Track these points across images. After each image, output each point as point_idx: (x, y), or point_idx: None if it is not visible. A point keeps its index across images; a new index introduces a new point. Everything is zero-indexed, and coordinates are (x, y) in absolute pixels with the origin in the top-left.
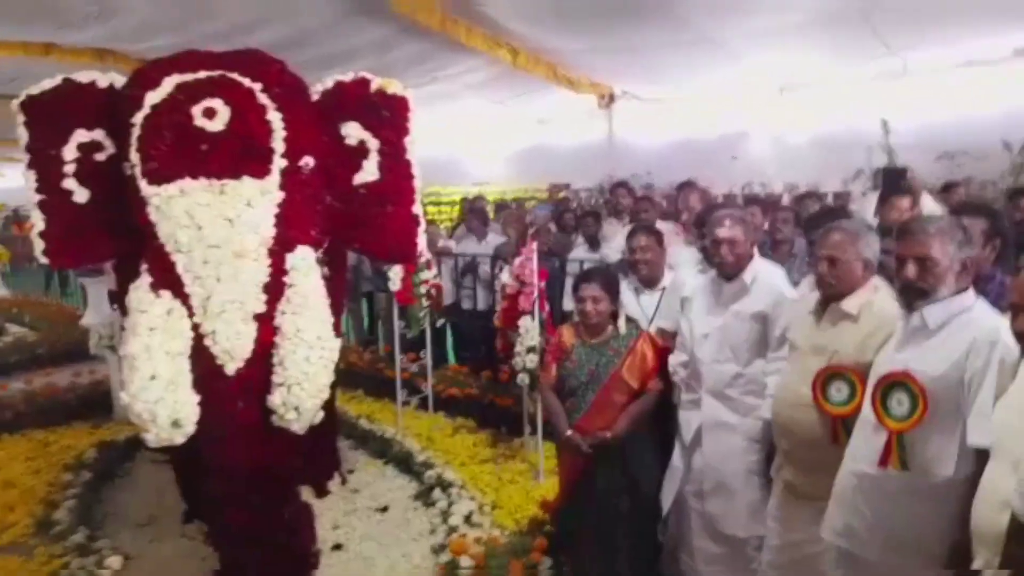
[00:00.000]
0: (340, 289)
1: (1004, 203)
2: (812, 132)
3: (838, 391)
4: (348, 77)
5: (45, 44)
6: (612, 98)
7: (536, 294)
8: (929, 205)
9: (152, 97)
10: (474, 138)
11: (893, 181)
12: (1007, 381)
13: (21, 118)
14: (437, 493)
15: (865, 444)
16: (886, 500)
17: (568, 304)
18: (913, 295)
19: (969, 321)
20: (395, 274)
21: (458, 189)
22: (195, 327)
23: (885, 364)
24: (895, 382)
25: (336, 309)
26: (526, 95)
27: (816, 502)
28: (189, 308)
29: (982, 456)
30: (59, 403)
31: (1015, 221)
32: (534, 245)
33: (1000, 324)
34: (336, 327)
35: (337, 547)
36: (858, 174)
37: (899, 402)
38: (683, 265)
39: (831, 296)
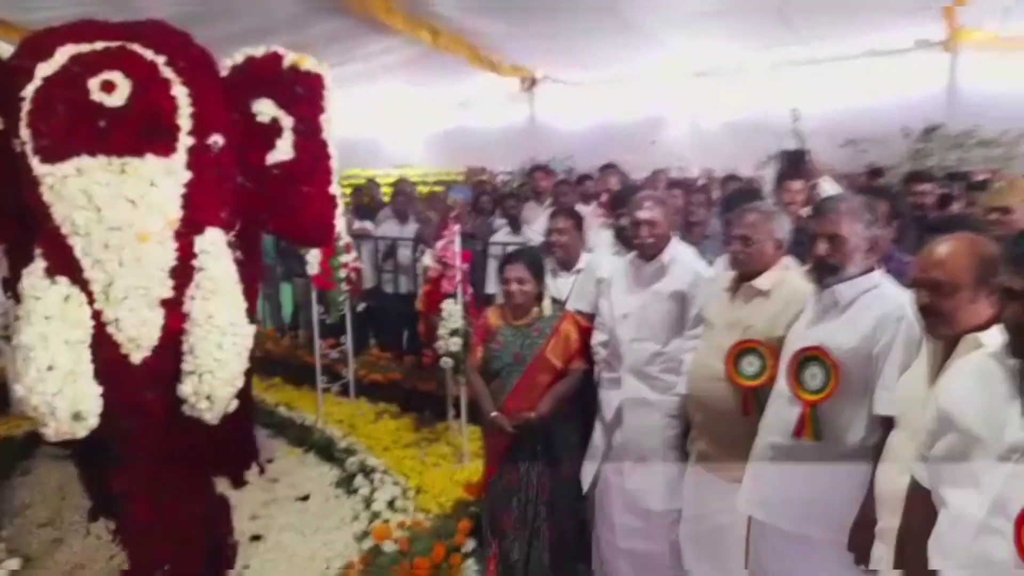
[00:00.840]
0: (254, 273)
1: (900, 187)
2: (727, 118)
3: (750, 364)
4: (259, 52)
5: None
6: (534, 82)
7: (459, 277)
8: (827, 189)
9: (44, 68)
10: (393, 120)
11: (794, 164)
12: (913, 354)
13: None
14: (359, 480)
15: (779, 417)
16: (799, 470)
17: (491, 288)
18: (824, 271)
19: (877, 297)
20: (313, 258)
21: (377, 172)
22: (96, 314)
23: (798, 339)
24: (809, 356)
25: (251, 294)
26: (447, 77)
27: (727, 471)
28: (89, 294)
29: (887, 425)
30: None
31: (911, 204)
32: (456, 228)
33: (906, 300)
34: (251, 312)
35: (256, 538)
36: (769, 160)
37: (813, 376)
38: (599, 247)
39: (744, 274)
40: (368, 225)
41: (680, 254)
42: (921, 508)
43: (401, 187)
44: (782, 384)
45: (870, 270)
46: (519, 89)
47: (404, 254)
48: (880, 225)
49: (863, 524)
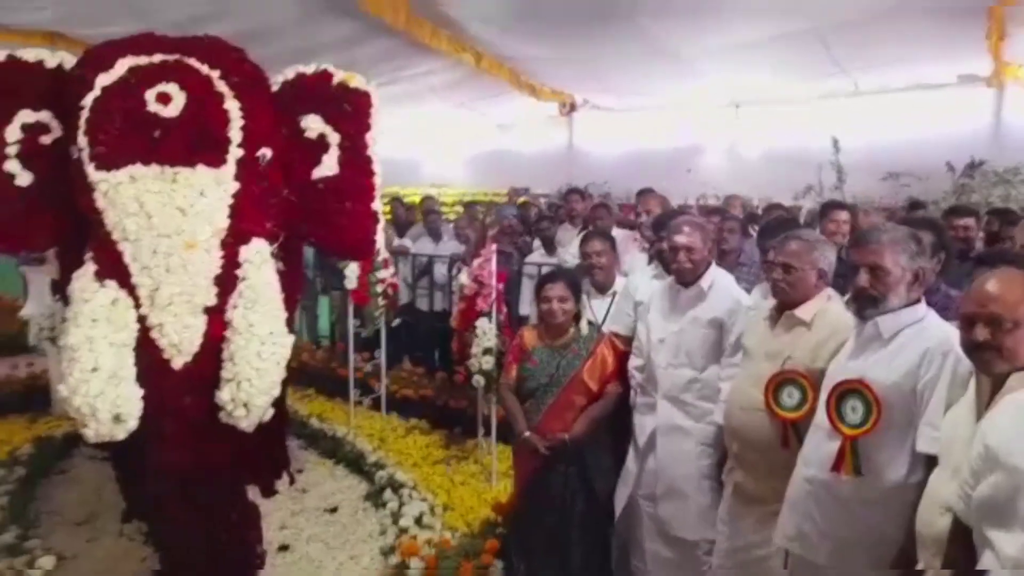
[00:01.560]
0: (294, 285)
1: (942, 220)
2: (765, 147)
3: (789, 396)
4: (310, 69)
5: None
6: (573, 106)
7: (494, 295)
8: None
9: (104, 79)
10: (434, 140)
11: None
12: (958, 391)
13: None
14: (388, 494)
15: (817, 450)
16: (837, 505)
17: (525, 309)
18: (864, 303)
19: (922, 331)
20: (351, 272)
21: (416, 190)
22: (141, 319)
23: (839, 372)
24: (850, 389)
25: (290, 305)
26: (488, 99)
27: (765, 505)
28: (135, 299)
29: (930, 462)
30: None
31: (953, 238)
32: (493, 247)
33: (952, 335)
34: (289, 323)
35: (284, 548)
36: (808, 190)
37: (853, 409)
38: (637, 270)
39: (785, 303)
40: (407, 243)
41: (719, 281)
42: (963, 548)
43: (429, 205)
44: (821, 417)
45: (914, 303)
46: (558, 113)
47: (439, 271)
48: (925, 257)
49: (902, 563)
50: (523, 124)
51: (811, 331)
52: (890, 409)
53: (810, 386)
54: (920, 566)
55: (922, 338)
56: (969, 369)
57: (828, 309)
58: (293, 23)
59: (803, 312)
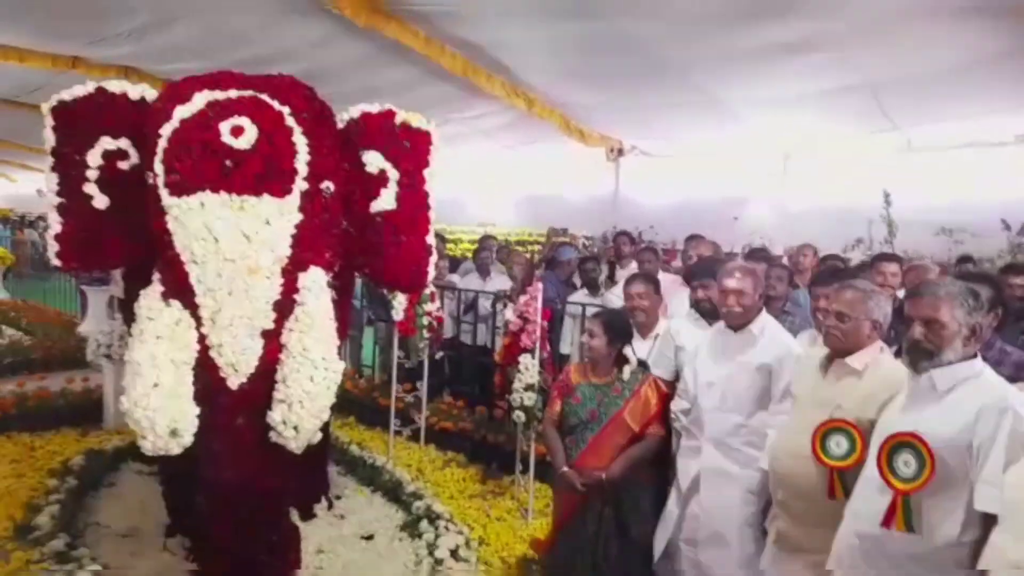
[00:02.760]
0: (346, 314)
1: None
2: (813, 199)
3: (837, 445)
4: (374, 108)
5: (72, 57)
6: (620, 152)
7: (539, 332)
8: None
9: (182, 111)
10: (482, 180)
11: None
12: (1019, 450)
13: (50, 122)
14: (424, 525)
15: (867, 504)
16: (888, 561)
17: (566, 348)
18: (918, 356)
19: (978, 387)
20: (399, 303)
21: (463, 228)
22: (201, 339)
23: (891, 424)
24: (902, 443)
25: (341, 333)
26: (537, 143)
27: (808, 555)
28: (197, 319)
29: (988, 522)
30: (49, 408)
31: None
32: (539, 284)
33: (1010, 391)
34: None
35: (319, 571)
36: (858, 243)
37: (906, 463)
38: (678, 314)
39: (838, 351)
40: (455, 278)
41: (770, 326)
42: None
43: (484, 244)
44: (872, 470)
45: (971, 357)
46: (605, 159)
47: (484, 307)
48: (982, 312)
49: None
50: (570, 168)
51: (862, 381)
52: (944, 465)
53: (859, 436)
54: None
55: (979, 394)
56: None
57: (880, 360)
58: (354, 66)
59: (855, 361)
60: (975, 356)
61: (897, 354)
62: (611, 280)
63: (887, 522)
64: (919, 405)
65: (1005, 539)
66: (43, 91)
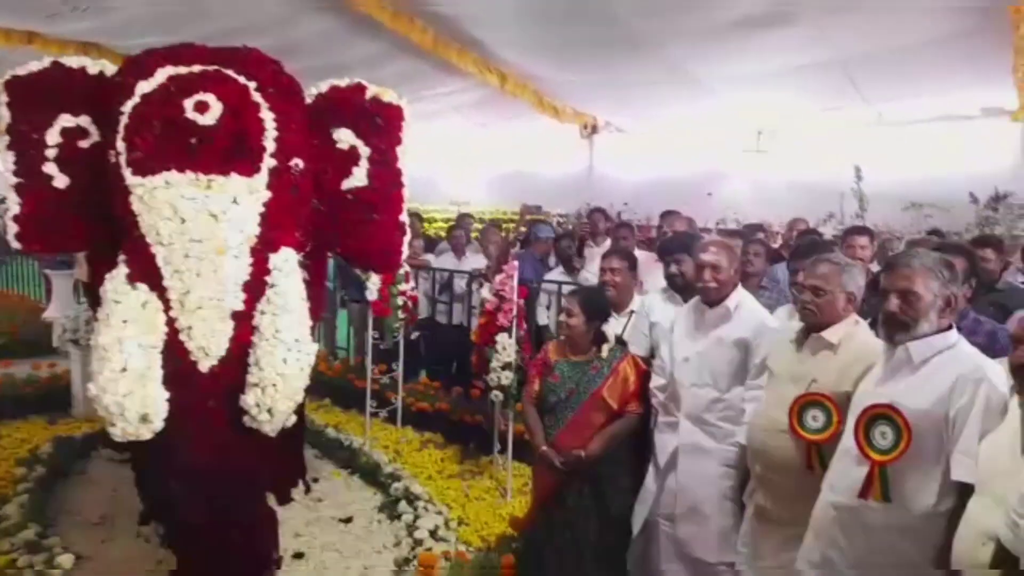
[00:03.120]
0: (319, 295)
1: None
2: (786, 174)
3: (814, 419)
4: (344, 83)
5: (28, 33)
6: (594, 128)
7: (515, 311)
8: None
9: (143, 87)
10: (455, 158)
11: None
12: (994, 419)
13: (4, 98)
14: (403, 506)
15: (844, 475)
16: (865, 532)
17: (543, 319)
18: (894, 327)
19: (953, 358)
20: (373, 284)
21: (436, 207)
22: (170, 322)
23: (867, 396)
24: (879, 414)
25: (314, 314)
26: (510, 120)
27: (787, 528)
28: (165, 302)
29: (964, 491)
30: (15, 396)
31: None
32: (515, 263)
33: (985, 362)
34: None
35: (298, 555)
36: (829, 217)
37: (883, 434)
38: (652, 291)
39: (813, 326)
40: (429, 257)
41: (746, 301)
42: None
43: (462, 222)
44: (849, 441)
45: (946, 329)
46: (579, 135)
47: (459, 286)
48: (957, 283)
49: None
50: (544, 145)
51: (837, 355)
52: (920, 435)
53: (835, 409)
54: None
55: (954, 365)
56: (1003, 398)
57: (855, 333)
58: (321, 40)
59: (830, 335)
60: (950, 327)
61: (872, 326)
62: (579, 256)
63: (864, 493)
64: (895, 377)
65: (978, 508)
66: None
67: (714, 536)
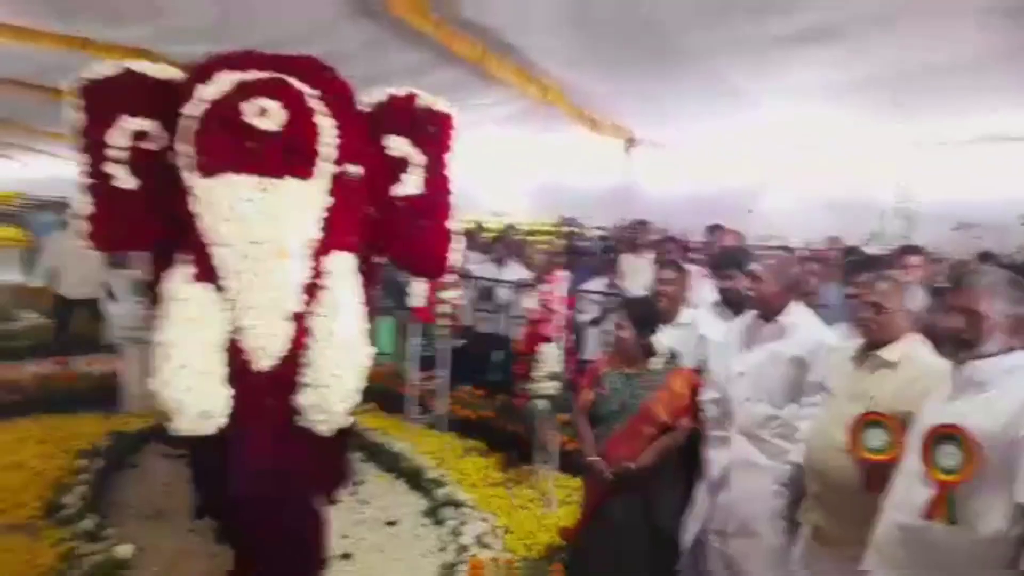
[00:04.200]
0: (371, 298)
1: None
2: (828, 192)
3: (875, 438)
4: (399, 91)
5: (83, 39)
6: (633, 142)
7: (561, 322)
8: None
9: (208, 92)
10: (493, 169)
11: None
12: None
13: (77, 102)
14: (448, 511)
15: (908, 496)
16: (931, 553)
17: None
18: (957, 347)
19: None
20: (418, 291)
21: (473, 218)
22: (229, 321)
23: (933, 415)
24: (946, 434)
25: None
26: (549, 131)
27: (843, 548)
28: (225, 302)
29: None
30: (71, 390)
31: None
32: (562, 273)
33: None
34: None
35: (346, 556)
36: (873, 237)
37: (949, 455)
38: (702, 304)
39: (872, 343)
40: (472, 266)
41: (803, 318)
42: None
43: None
44: (912, 461)
45: (1017, 349)
46: (618, 148)
47: (500, 296)
48: None
49: None
50: (582, 157)
51: (897, 373)
52: (988, 457)
53: (896, 429)
54: None
55: (1023, 386)
56: None
57: (915, 351)
58: (363, 49)
59: (889, 353)
60: (1021, 348)
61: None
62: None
63: (930, 514)
64: (962, 396)
65: None
66: (50, 74)
67: (764, 554)
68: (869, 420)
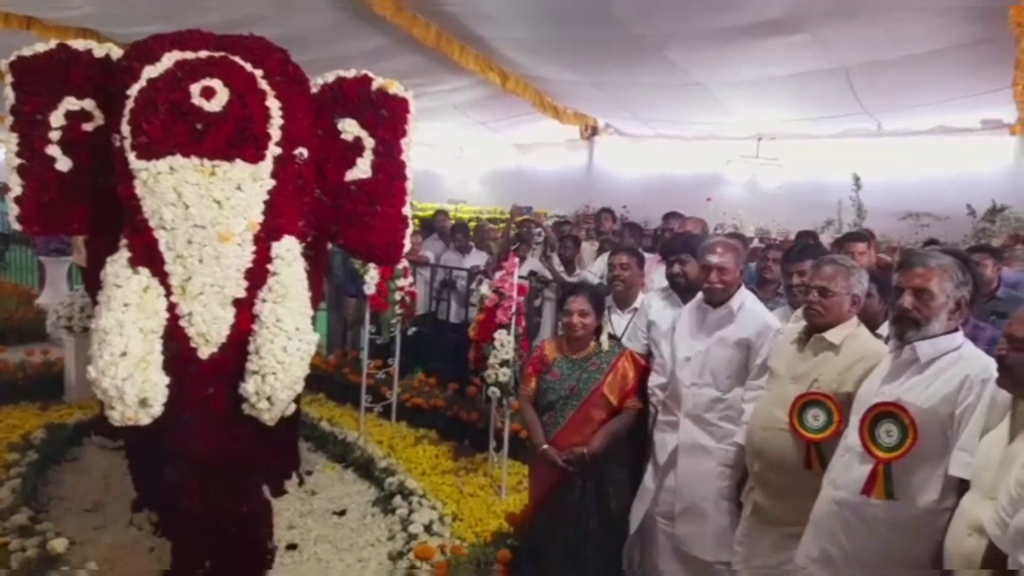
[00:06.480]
0: (317, 285)
1: None
2: (785, 181)
3: (815, 417)
4: (350, 74)
5: (27, 18)
6: (594, 130)
7: (514, 308)
8: None
9: (150, 71)
10: (453, 156)
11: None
12: (996, 418)
13: (9, 79)
14: (397, 500)
15: (847, 472)
16: (867, 528)
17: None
18: (906, 325)
19: (960, 358)
20: (371, 278)
21: (433, 205)
22: (171, 307)
23: (872, 395)
24: (885, 412)
25: (313, 304)
26: (510, 119)
27: (784, 527)
28: (167, 287)
29: (962, 488)
30: (8, 382)
31: None
32: (515, 259)
33: (990, 363)
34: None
35: (292, 547)
36: (827, 225)
37: (888, 432)
38: (652, 290)
39: (816, 326)
40: (428, 253)
41: (748, 302)
42: (999, 573)
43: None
44: (852, 439)
45: (953, 331)
46: (579, 136)
47: (461, 284)
48: (967, 287)
49: None
50: (543, 145)
51: (839, 355)
52: (925, 434)
53: (836, 408)
54: None
55: (961, 365)
56: (1007, 397)
57: (857, 335)
58: (323, 33)
59: (833, 336)
60: (957, 330)
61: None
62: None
63: (868, 490)
64: (901, 376)
65: (974, 498)
66: None
67: (711, 535)
68: (810, 400)
